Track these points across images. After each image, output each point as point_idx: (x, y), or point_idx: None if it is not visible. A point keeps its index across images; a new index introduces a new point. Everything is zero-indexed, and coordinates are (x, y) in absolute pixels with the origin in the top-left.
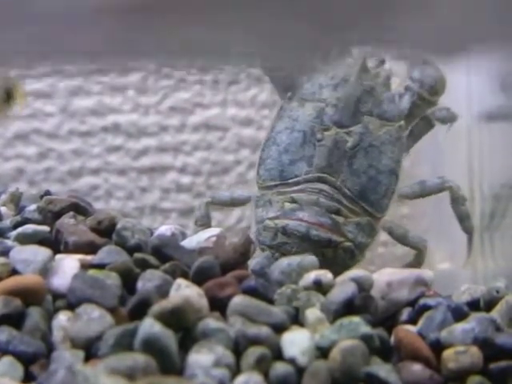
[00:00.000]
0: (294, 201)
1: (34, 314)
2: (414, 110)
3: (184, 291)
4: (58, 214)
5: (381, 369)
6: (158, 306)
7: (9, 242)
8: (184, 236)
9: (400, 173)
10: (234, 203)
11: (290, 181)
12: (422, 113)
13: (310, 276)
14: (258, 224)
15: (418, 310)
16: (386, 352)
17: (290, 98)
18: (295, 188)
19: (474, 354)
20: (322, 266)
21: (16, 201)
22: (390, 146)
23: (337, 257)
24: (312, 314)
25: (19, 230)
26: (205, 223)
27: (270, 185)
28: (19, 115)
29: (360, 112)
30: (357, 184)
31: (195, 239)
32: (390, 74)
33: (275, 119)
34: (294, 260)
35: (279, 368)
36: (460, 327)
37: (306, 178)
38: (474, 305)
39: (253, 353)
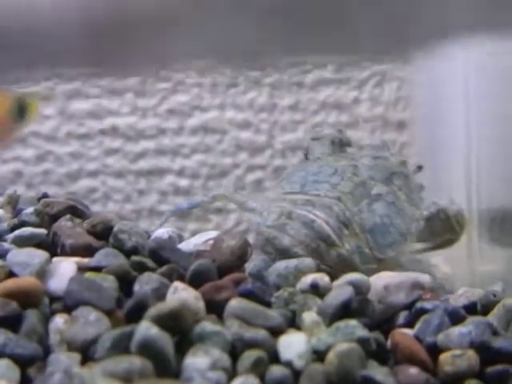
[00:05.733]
0: (308, 200)
1: (31, 317)
2: (434, 220)
3: (181, 294)
4: (55, 217)
5: (377, 372)
6: (155, 309)
7: (6, 245)
8: (181, 239)
9: (408, 242)
10: (242, 208)
11: (310, 193)
12: (440, 233)
13: (307, 279)
14: (262, 212)
15: (415, 314)
16: (383, 355)
17: (330, 155)
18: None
19: (471, 358)
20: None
21: (13, 203)
22: (407, 217)
23: (327, 258)
24: (309, 317)
25: (16, 232)
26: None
27: (288, 192)
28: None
29: (392, 182)
30: (370, 220)
31: (192, 242)
32: (422, 188)
33: (308, 161)
34: (291, 263)
35: (275, 371)
36: (457, 331)
37: (326, 193)
38: (470, 308)
39: (249, 356)
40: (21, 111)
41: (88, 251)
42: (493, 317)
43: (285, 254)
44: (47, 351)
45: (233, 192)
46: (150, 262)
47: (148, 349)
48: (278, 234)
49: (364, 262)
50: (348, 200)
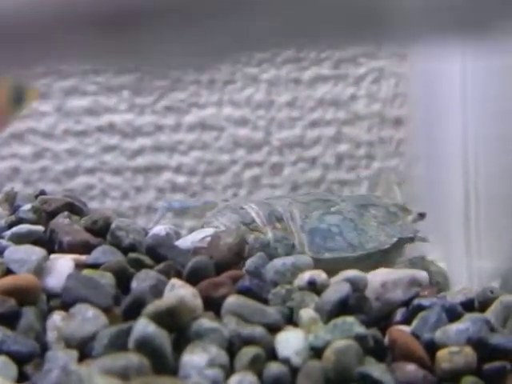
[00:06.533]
0: (259, 202)
1: (29, 314)
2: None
3: (178, 291)
4: (53, 214)
5: (375, 369)
6: (153, 306)
7: (3, 242)
8: (178, 236)
9: (356, 259)
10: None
11: (270, 201)
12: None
13: (305, 276)
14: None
15: (412, 311)
16: (380, 352)
17: None
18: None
19: (468, 354)
20: None
21: (11, 200)
22: (367, 236)
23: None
24: (306, 314)
25: (14, 229)
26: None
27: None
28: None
29: (366, 209)
30: (315, 223)
31: (190, 239)
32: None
33: None
34: (288, 260)
35: (273, 368)
36: (454, 327)
37: (281, 202)
38: (468, 305)
39: (247, 353)
40: (19, 97)
41: (85, 248)
42: (490, 313)
43: None
44: (44, 348)
45: (224, 200)
46: (147, 259)
47: (145, 346)
48: (211, 219)
49: (288, 254)
50: (298, 207)
